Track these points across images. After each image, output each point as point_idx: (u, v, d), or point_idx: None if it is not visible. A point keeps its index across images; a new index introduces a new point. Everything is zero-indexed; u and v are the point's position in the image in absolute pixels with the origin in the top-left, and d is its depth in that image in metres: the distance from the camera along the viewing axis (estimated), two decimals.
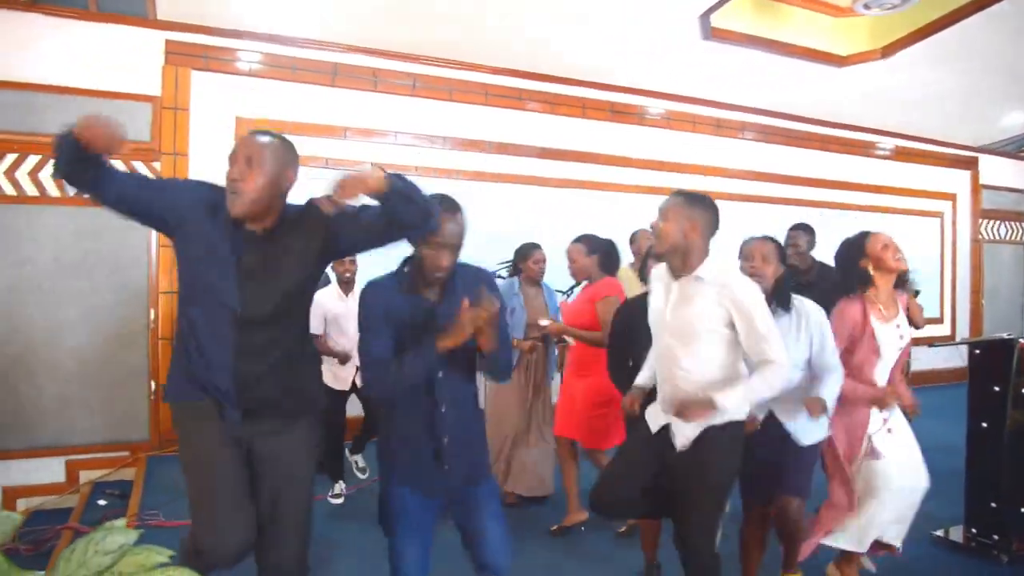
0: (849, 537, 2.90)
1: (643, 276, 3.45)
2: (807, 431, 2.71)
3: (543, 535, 3.70)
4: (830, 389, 2.64)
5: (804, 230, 4.40)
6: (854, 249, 2.94)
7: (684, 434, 2.40)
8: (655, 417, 2.52)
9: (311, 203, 2.07)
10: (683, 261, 2.42)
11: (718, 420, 2.32)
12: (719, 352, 2.37)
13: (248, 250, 1.96)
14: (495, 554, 2.17)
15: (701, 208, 2.43)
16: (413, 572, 2.16)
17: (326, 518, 3.95)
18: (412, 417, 2.14)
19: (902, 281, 2.97)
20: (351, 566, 3.33)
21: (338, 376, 4.27)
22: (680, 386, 2.39)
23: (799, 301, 2.75)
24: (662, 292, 2.52)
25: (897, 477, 2.83)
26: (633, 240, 4.98)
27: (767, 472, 2.73)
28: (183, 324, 2.04)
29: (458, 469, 2.17)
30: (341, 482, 4.32)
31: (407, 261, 2.16)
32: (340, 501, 4.23)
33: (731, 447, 2.40)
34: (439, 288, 2.14)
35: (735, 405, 2.30)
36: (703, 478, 2.39)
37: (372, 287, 2.17)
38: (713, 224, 2.45)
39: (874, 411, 2.84)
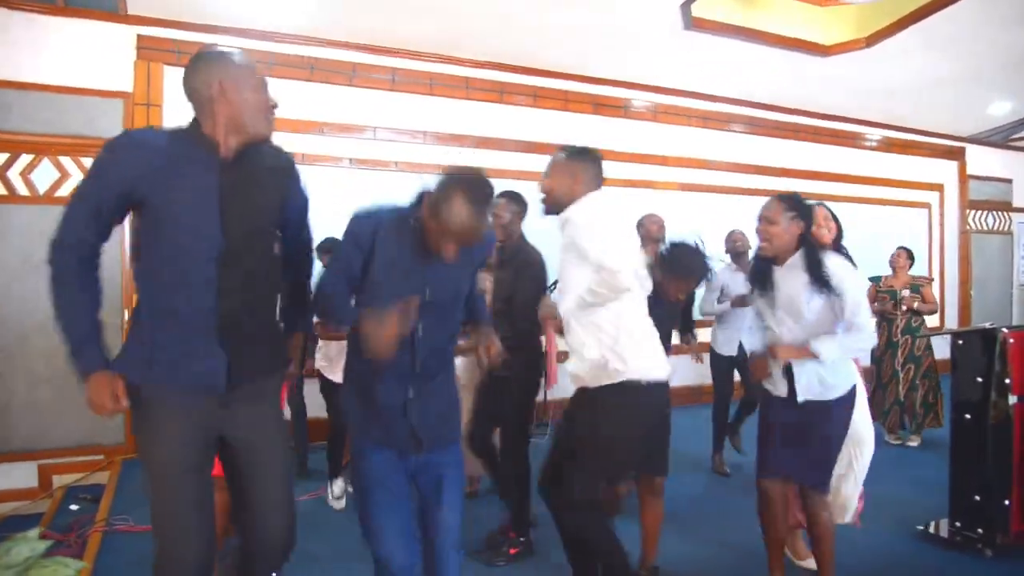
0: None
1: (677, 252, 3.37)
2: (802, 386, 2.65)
3: None
4: (831, 345, 2.56)
5: (510, 199, 3.52)
6: None
7: (574, 376, 2.53)
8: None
9: (278, 149, 2.04)
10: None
11: (613, 379, 2.39)
12: (578, 287, 2.42)
13: (225, 177, 1.85)
14: (448, 545, 2.13)
15: (584, 161, 2.50)
16: (393, 540, 2.04)
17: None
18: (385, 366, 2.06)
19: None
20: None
21: (339, 367, 4.16)
22: (575, 330, 2.49)
23: (833, 261, 2.64)
24: None
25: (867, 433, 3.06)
26: (641, 225, 5.06)
27: (788, 447, 2.68)
28: (143, 292, 1.88)
29: (425, 426, 2.11)
30: (340, 480, 4.16)
31: (414, 215, 2.06)
32: (342, 504, 4.10)
33: (617, 411, 2.41)
34: None
35: (568, 305, 2.41)
36: (581, 440, 2.47)
37: (370, 217, 2.09)
38: (597, 175, 2.51)
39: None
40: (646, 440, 2.67)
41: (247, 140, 1.87)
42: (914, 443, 5.44)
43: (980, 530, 3.32)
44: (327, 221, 5.49)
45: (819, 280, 2.58)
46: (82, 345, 1.76)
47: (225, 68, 1.81)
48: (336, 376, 4.00)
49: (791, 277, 2.66)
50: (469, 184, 1.96)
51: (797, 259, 2.65)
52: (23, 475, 4.57)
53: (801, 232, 2.65)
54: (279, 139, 5.60)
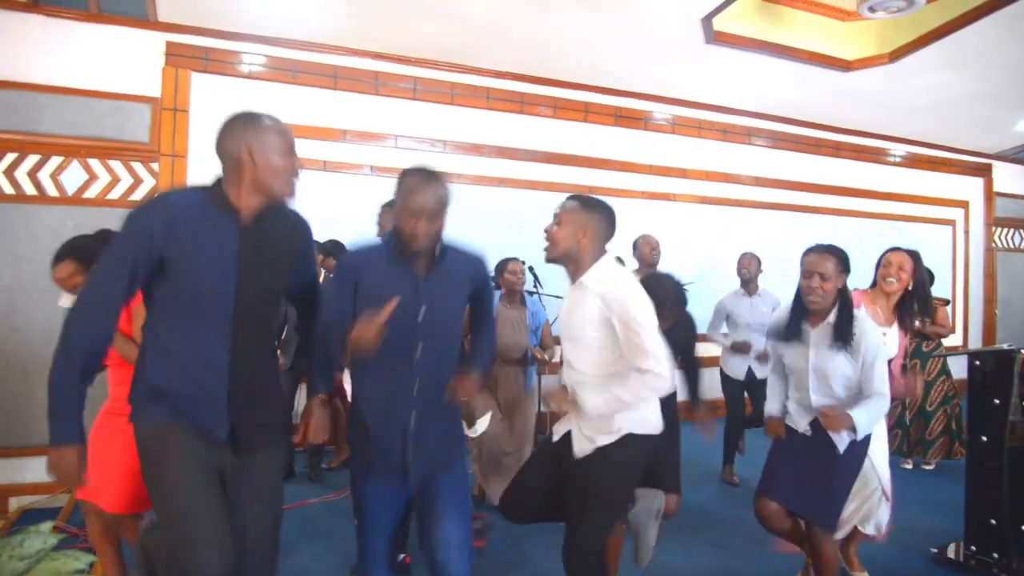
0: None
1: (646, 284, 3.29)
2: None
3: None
4: (863, 414, 2.57)
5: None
6: (879, 261, 3.17)
7: (581, 442, 2.41)
8: (559, 426, 2.53)
9: (295, 214, 2.09)
10: (576, 267, 2.43)
11: (612, 438, 2.33)
12: (603, 357, 2.35)
13: (244, 241, 1.91)
14: (451, 561, 2.11)
15: (596, 213, 2.42)
16: (374, 562, 2.20)
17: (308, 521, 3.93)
18: (384, 389, 2.12)
19: (907, 317, 3.13)
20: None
21: None
22: (575, 389, 2.39)
23: (859, 319, 2.65)
24: (565, 298, 2.55)
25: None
26: (636, 247, 5.05)
27: (797, 480, 2.69)
28: (155, 339, 1.91)
29: (425, 452, 2.14)
30: None
31: (392, 240, 2.15)
32: None
33: (621, 466, 2.38)
34: (426, 262, 2.13)
35: (596, 407, 2.27)
36: (589, 494, 2.39)
37: (353, 255, 2.22)
38: (607, 229, 2.44)
39: None
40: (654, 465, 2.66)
41: (268, 202, 1.93)
42: (929, 467, 5.28)
43: (996, 555, 3.26)
44: (346, 227, 5.56)
45: (842, 338, 2.60)
46: (62, 420, 1.79)
47: (255, 132, 1.88)
48: None
49: (824, 337, 2.67)
50: (415, 167, 2.11)
51: (831, 318, 2.67)
52: (44, 470, 4.65)
53: (843, 285, 2.67)
54: (304, 147, 5.71)
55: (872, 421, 2.62)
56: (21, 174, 4.67)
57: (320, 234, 4.89)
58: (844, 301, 2.65)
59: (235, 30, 5.21)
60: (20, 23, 4.65)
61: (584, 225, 2.39)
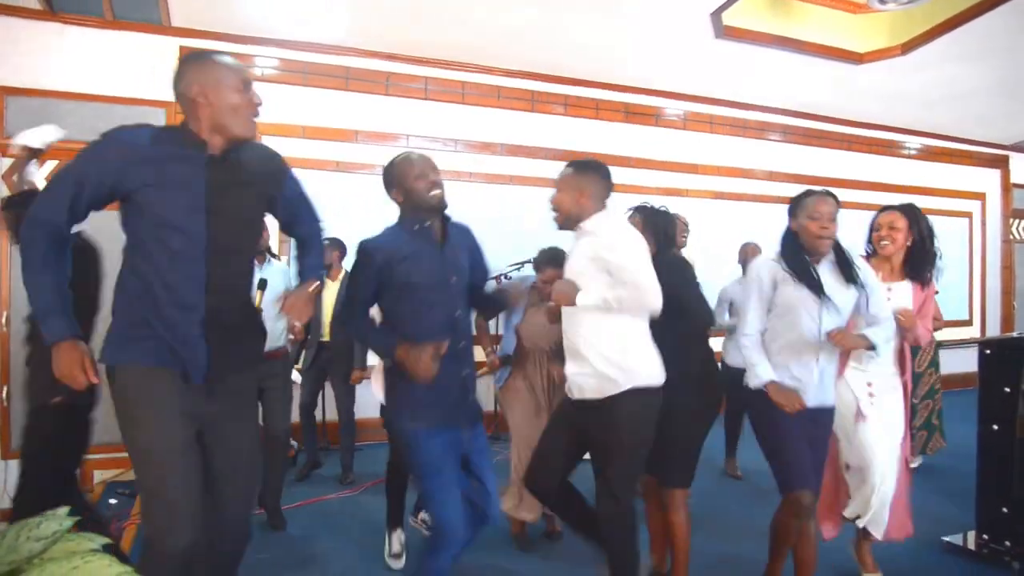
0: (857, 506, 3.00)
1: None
2: (819, 392, 2.67)
3: None
4: (877, 332, 2.62)
5: None
6: (871, 226, 3.18)
7: (578, 384, 2.57)
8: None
9: (265, 146, 2.15)
10: (577, 225, 2.61)
11: (621, 387, 2.46)
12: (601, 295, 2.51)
13: (212, 173, 1.90)
14: (494, 505, 2.45)
15: (590, 174, 2.61)
16: (455, 514, 2.28)
17: (322, 516, 3.98)
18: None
19: (919, 272, 3.04)
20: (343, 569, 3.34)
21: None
22: (580, 334, 2.56)
23: (855, 259, 2.72)
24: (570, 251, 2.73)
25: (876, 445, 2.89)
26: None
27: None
28: (132, 275, 1.90)
29: (473, 401, 2.47)
30: (400, 532, 3.39)
31: (410, 221, 2.40)
32: (401, 564, 3.29)
33: (631, 415, 2.49)
34: (440, 229, 2.42)
35: (583, 300, 2.46)
36: (616, 438, 2.51)
37: (377, 249, 2.33)
38: (604, 188, 2.61)
39: (858, 377, 2.92)
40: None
41: (230, 139, 1.92)
42: (914, 464, 5.06)
43: (1008, 543, 3.25)
44: (359, 227, 5.58)
45: (848, 274, 2.65)
46: (46, 315, 1.78)
47: (204, 71, 1.88)
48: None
49: (828, 273, 2.67)
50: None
51: (831, 257, 2.69)
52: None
53: None
54: (316, 148, 5.75)
55: (886, 340, 2.67)
56: (39, 180, 4.75)
57: (334, 233, 4.96)
58: (839, 245, 2.69)
59: (246, 34, 5.28)
60: (38, 31, 4.76)
61: (580, 186, 2.57)
